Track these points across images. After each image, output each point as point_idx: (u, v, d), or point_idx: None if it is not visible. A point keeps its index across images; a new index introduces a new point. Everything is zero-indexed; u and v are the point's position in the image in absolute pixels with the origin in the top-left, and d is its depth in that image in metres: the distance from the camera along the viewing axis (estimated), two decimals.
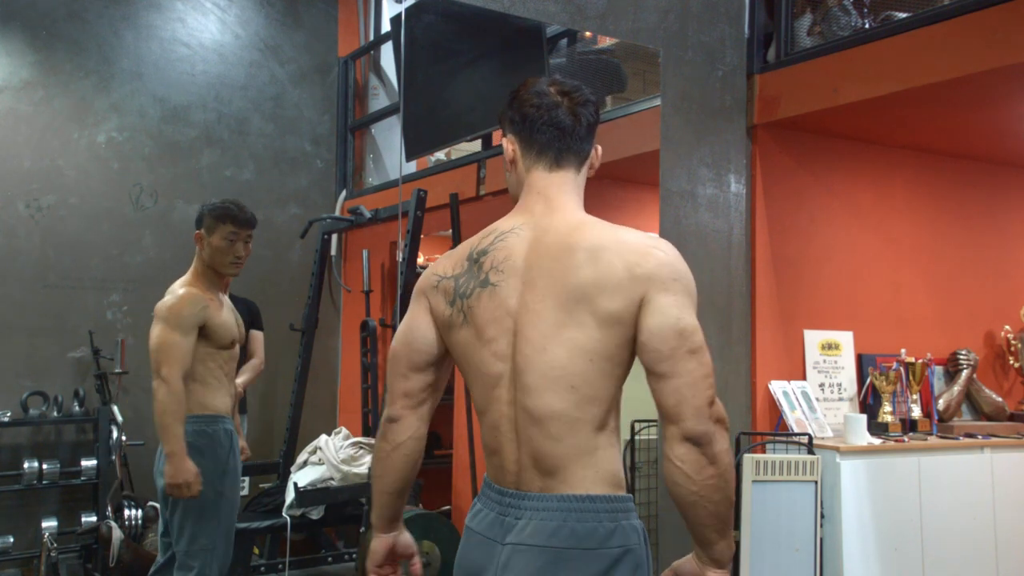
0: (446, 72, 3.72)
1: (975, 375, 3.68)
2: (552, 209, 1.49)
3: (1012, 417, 3.67)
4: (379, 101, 4.53)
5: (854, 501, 3.03)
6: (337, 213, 4.16)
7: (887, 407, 3.38)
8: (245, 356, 3.34)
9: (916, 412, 3.47)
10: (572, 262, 1.41)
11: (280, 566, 3.56)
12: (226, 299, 2.79)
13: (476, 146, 3.92)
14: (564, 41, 3.49)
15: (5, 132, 3.46)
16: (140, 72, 3.74)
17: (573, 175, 1.52)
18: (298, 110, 4.16)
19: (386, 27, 4.53)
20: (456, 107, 3.73)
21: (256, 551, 3.63)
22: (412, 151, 3.94)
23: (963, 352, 3.69)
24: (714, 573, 1.42)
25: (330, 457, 3.63)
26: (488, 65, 3.55)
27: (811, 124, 3.31)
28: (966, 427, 3.50)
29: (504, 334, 1.45)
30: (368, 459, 3.63)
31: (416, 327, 1.56)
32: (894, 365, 3.43)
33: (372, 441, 3.68)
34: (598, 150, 1.57)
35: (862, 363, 3.51)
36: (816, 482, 3.01)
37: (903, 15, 2.95)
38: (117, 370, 3.45)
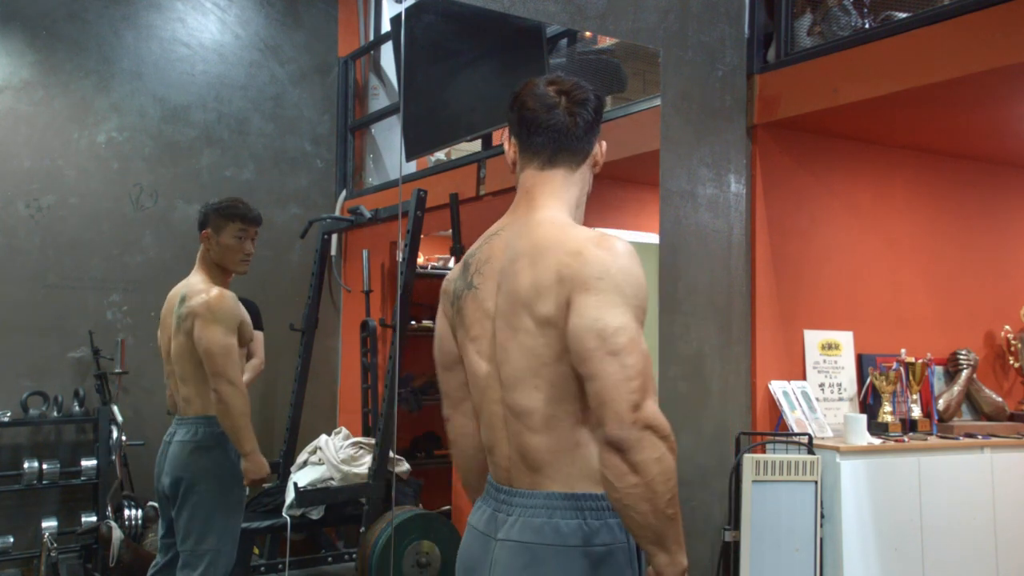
0: (446, 72, 3.72)
1: (975, 375, 3.68)
2: (532, 209, 1.50)
3: (1012, 417, 3.67)
4: (379, 101, 4.52)
5: (854, 501, 3.03)
6: (337, 213, 4.16)
7: (887, 407, 3.38)
8: (246, 356, 3.35)
9: (916, 412, 3.48)
10: (520, 265, 1.44)
11: (280, 566, 3.56)
12: None
13: (476, 146, 3.92)
14: (564, 41, 3.48)
15: (5, 132, 3.46)
16: (140, 72, 3.74)
17: (564, 174, 1.52)
18: (298, 110, 4.15)
19: (386, 27, 4.53)
20: (456, 107, 3.73)
21: (256, 551, 3.63)
22: (412, 151, 3.94)
23: (963, 352, 3.69)
24: None
25: (330, 457, 3.63)
26: (488, 65, 3.55)
27: (811, 124, 3.31)
28: (966, 427, 3.50)
29: (485, 335, 1.50)
30: (368, 459, 3.63)
31: (439, 329, 1.67)
32: (894, 365, 3.43)
33: (372, 441, 3.69)
34: (602, 146, 1.57)
35: (862, 363, 3.51)
36: (816, 482, 3.01)
37: (903, 15, 2.95)
38: (117, 370, 3.45)
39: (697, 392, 3.14)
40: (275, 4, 4.14)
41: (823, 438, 3.19)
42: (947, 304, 3.79)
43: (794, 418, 3.18)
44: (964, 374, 3.65)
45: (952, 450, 3.29)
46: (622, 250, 1.38)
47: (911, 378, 3.47)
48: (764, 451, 3.11)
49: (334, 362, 4.16)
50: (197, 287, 2.73)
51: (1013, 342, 3.85)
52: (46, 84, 3.56)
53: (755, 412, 3.26)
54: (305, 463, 3.69)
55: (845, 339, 3.49)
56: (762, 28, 3.28)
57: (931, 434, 3.42)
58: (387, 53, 4.49)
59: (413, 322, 4.22)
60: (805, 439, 3.08)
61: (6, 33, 3.52)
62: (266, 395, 4.01)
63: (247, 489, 2.87)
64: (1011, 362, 3.86)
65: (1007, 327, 3.88)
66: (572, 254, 1.38)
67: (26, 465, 3.36)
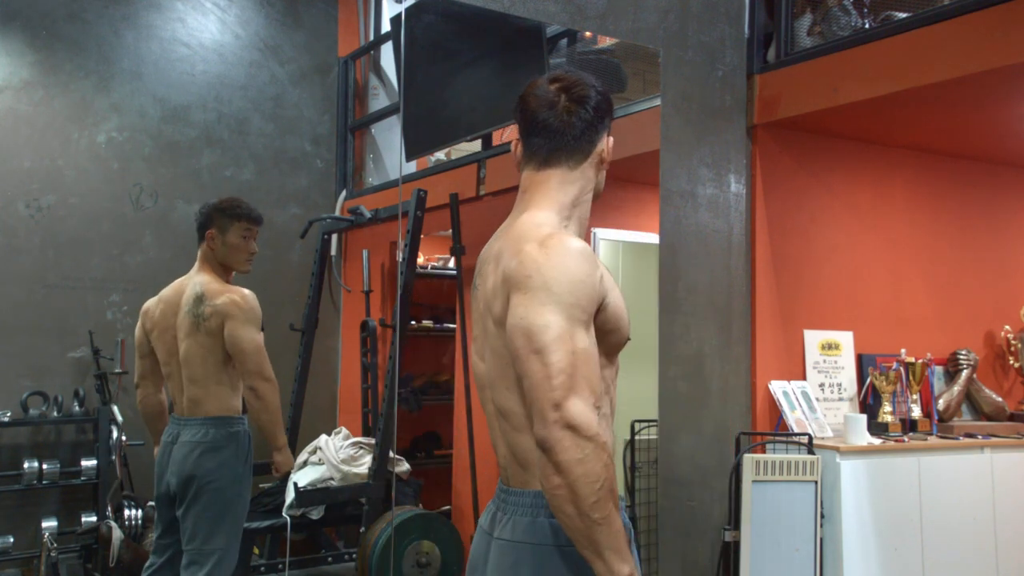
0: (446, 72, 3.72)
1: (975, 375, 3.68)
2: (524, 209, 1.51)
3: (1012, 417, 3.67)
4: (379, 101, 4.53)
5: (854, 501, 3.03)
6: (337, 213, 4.16)
7: (887, 407, 3.38)
8: None
9: (916, 412, 3.47)
10: (490, 268, 1.48)
11: (280, 566, 3.56)
12: None
13: (476, 146, 3.92)
14: (564, 41, 3.49)
15: (5, 132, 3.46)
16: (140, 72, 3.74)
17: (562, 173, 1.51)
18: (298, 110, 4.15)
19: (386, 27, 4.53)
20: (456, 107, 3.73)
21: (256, 551, 3.63)
22: (412, 151, 3.94)
23: (963, 352, 3.69)
24: None
25: (330, 457, 3.63)
26: (488, 65, 3.55)
27: (811, 124, 3.31)
28: (966, 427, 3.50)
29: (480, 335, 1.53)
30: (368, 459, 3.63)
31: None
32: (894, 365, 3.43)
33: (372, 441, 3.69)
34: (608, 142, 1.56)
35: (862, 363, 3.51)
36: (816, 482, 3.01)
37: (903, 15, 2.95)
38: (117, 370, 3.45)
39: (697, 392, 3.14)
40: (275, 4, 4.14)
41: (823, 438, 3.19)
42: (947, 304, 3.79)
43: (794, 418, 3.18)
44: (964, 374, 3.65)
45: (952, 450, 3.29)
46: (565, 249, 1.37)
47: (911, 378, 3.47)
48: (764, 451, 3.11)
49: (334, 362, 4.16)
50: (214, 287, 2.73)
51: (1013, 342, 3.85)
52: (46, 84, 3.56)
53: (755, 412, 3.26)
54: (305, 463, 3.69)
55: (845, 339, 3.49)
56: (762, 28, 3.28)
57: (931, 434, 3.42)
58: (387, 53, 4.49)
59: (413, 322, 4.22)
60: (805, 439, 3.08)
61: (6, 33, 3.52)
62: None
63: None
64: (1011, 362, 3.86)
65: (1007, 327, 3.88)
66: (515, 254, 1.40)
67: (26, 465, 3.36)
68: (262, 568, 3.57)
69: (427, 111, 3.80)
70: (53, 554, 3.19)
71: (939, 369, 3.68)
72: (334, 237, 4.17)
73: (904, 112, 3.16)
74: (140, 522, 3.35)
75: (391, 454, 3.53)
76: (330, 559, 3.82)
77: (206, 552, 2.65)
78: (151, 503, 3.35)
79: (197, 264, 2.87)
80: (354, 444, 3.71)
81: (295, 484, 3.54)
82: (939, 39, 2.70)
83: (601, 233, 3.49)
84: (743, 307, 3.25)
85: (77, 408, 3.48)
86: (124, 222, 3.65)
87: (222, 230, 2.74)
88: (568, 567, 1.38)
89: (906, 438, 3.29)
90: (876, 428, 3.32)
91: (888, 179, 3.66)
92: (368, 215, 3.91)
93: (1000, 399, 3.70)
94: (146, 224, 3.68)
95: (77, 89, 3.61)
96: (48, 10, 3.57)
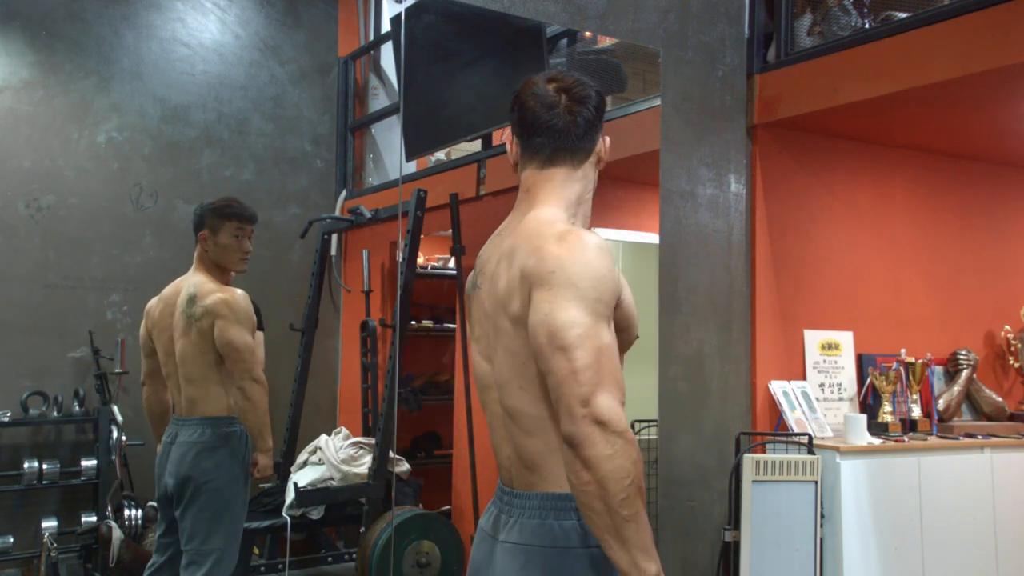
0: (446, 72, 3.72)
1: (975, 375, 3.68)
2: (530, 207, 1.51)
3: (1012, 417, 3.67)
4: (379, 101, 4.53)
5: (854, 501, 3.03)
6: (337, 213, 4.16)
7: (887, 407, 3.38)
8: None
9: (916, 412, 3.47)
10: (501, 266, 1.46)
11: (280, 566, 3.56)
12: None
13: (476, 146, 3.92)
14: (564, 41, 3.48)
15: (5, 132, 3.46)
16: (140, 72, 3.74)
17: (566, 172, 1.52)
18: (298, 110, 4.15)
19: (386, 27, 4.53)
20: (456, 107, 3.73)
21: (256, 551, 3.63)
22: (412, 151, 3.94)
23: (963, 352, 3.69)
24: None
25: (330, 457, 3.63)
26: (488, 65, 3.55)
27: (811, 124, 3.31)
28: (966, 427, 3.50)
29: (484, 335, 1.51)
30: (368, 459, 3.63)
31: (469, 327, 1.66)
32: (894, 365, 3.43)
33: (372, 441, 3.69)
34: (606, 142, 1.57)
35: (862, 363, 3.51)
36: (816, 482, 3.01)
37: (903, 15, 2.95)
38: (117, 370, 3.45)
39: (697, 392, 3.14)
40: (275, 4, 4.14)
41: (823, 438, 3.19)
42: (947, 304, 3.79)
43: (794, 418, 3.18)
44: (964, 374, 3.65)
45: (952, 450, 3.29)
46: (585, 244, 1.37)
47: (911, 378, 3.47)
48: (764, 451, 3.11)
49: (334, 362, 4.16)
50: (207, 287, 2.73)
51: (1013, 342, 3.85)
52: (46, 84, 3.56)
53: (755, 412, 3.26)
54: (305, 463, 3.69)
55: (845, 339, 3.49)
56: (762, 28, 3.28)
57: (931, 434, 3.42)
58: (387, 53, 4.49)
59: (413, 322, 4.22)
60: (805, 439, 3.08)
61: (6, 33, 3.52)
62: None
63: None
64: (1011, 362, 3.86)
65: (1007, 327, 3.88)
66: (530, 251, 1.39)
67: (26, 465, 3.36)
68: (262, 568, 3.57)
69: (427, 111, 3.80)
70: (53, 554, 3.19)
71: (939, 369, 3.68)
72: (334, 237, 4.17)
73: (904, 112, 3.16)
74: (140, 522, 3.35)
75: (391, 454, 3.53)
76: (330, 559, 3.82)
77: (204, 552, 2.65)
78: (151, 503, 3.35)
79: (193, 265, 2.87)
80: (354, 444, 3.71)
81: (295, 484, 3.54)
82: (939, 39, 2.70)
83: (601, 233, 3.49)
84: (743, 307, 3.25)
85: (77, 408, 3.48)
86: (124, 222, 3.65)
87: (214, 230, 2.75)
88: (578, 569, 1.37)
89: (906, 438, 3.29)
90: (876, 428, 3.32)
91: (888, 179, 3.66)
92: (368, 215, 3.91)
93: (1000, 399, 3.70)
94: (146, 224, 3.68)
95: (77, 89, 3.61)
96: (48, 10, 3.57)
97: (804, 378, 3.37)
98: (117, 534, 3.14)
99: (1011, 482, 3.34)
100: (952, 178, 3.82)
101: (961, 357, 3.68)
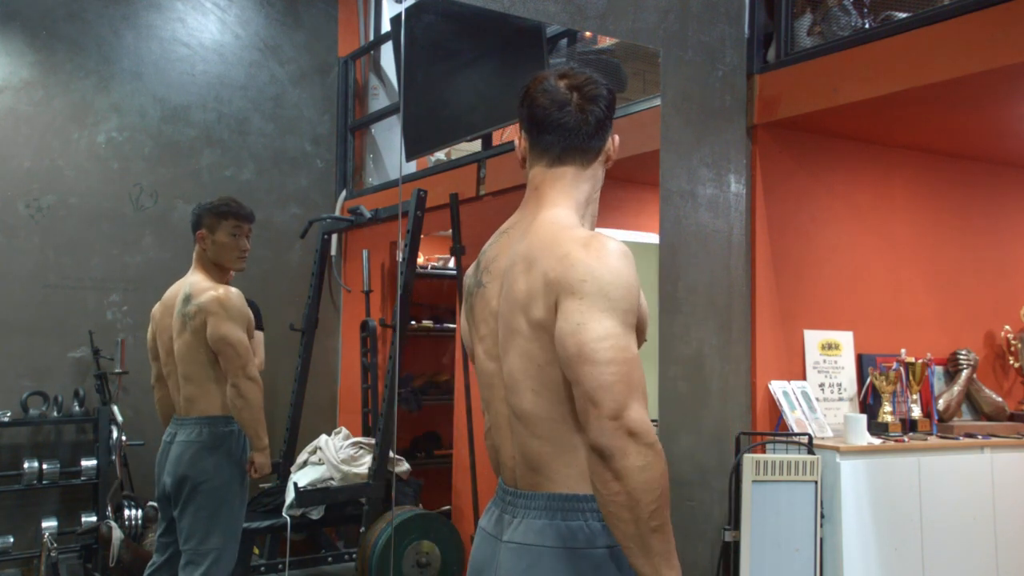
0: (446, 72, 3.72)
1: (975, 375, 3.68)
2: (539, 207, 1.49)
3: (1012, 417, 3.67)
4: (379, 101, 4.53)
5: (854, 501, 3.03)
6: (337, 213, 4.16)
7: (887, 407, 3.38)
8: None
9: (916, 412, 3.48)
10: (517, 269, 1.43)
11: (280, 566, 3.56)
12: None
13: (476, 146, 3.92)
14: (564, 41, 3.48)
15: (5, 132, 3.45)
16: (140, 72, 3.74)
17: (574, 171, 1.51)
18: (298, 110, 4.15)
19: (386, 27, 4.53)
20: (456, 107, 3.73)
21: (256, 551, 3.63)
22: (412, 151, 3.94)
23: (963, 352, 3.69)
24: None
25: (330, 457, 3.63)
26: (488, 65, 3.55)
27: (811, 124, 3.31)
28: (966, 427, 3.50)
29: (491, 334, 1.50)
30: (368, 459, 3.63)
31: (461, 325, 1.66)
32: (894, 365, 3.43)
33: (372, 441, 3.68)
34: (615, 140, 1.56)
35: (862, 363, 3.51)
36: (816, 482, 3.01)
37: (903, 15, 2.95)
38: (117, 370, 3.45)
39: (697, 392, 3.14)
40: (275, 4, 4.14)
41: (823, 438, 3.19)
42: (947, 304, 3.79)
43: (794, 418, 3.18)
44: (964, 374, 3.65)
45: (952, 450, 3.29)
46: (611, 251, 1.36)
47: (911, 378, 3.47)
48: (764, 451, 3.11)
49: (334, 362, 4.16)
50: (201, 285, 2.74)
51: (1013, 342, 3.85)
52: (46, 84, 3.55)
53: (755, 412, 3.26)
54: (305, 463, 3.69)
55: (845, 339, 3.49)
56: (762, 28, 3.28)
57: (931, 434, 3.42)
58: (387, 53, 4.49)
59: (413, 322, 4.22)
60: (805, 439, 3.08)
61: (6, 33, 3.52)
62: (266, 395, 3.99)
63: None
64: (1011, 362, 3.86)
65: (1007, 327, 3.88)
66: (558, 258, 1.37)
67: (26, 465, 3.36)
68: (262, 568, 3.57)
69: (427, 111, 3.80)
70: (53, 554, 3.19)
71: (939, 369, 3.68)
72: (334, 237, 4.17)
73: (904, 112, 3.16)
74: (140, 522, 3.35)
75: (391, 454, 3.53)
76: (330, 559, 3.82)
77: (202, 552, 2.66)
78: (151, 503, 3.36)
79: (192, 265, 2.88)
80: (354, 444, 3.70)
81: (295, 484, 3.54)
82: (939, 39, 2.70)
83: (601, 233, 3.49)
84: (743, 307, 3.25)
85: (77, 408, 3.48)
86: (124, 222, 3.65)
87: (211, 229, 2.76)
88: (585, 570, 1.37)
89: (906, 438, 3.29)
90: (876, 428, 3.32)
91: (888, 179, 3.66)
92: (368, 215, 3.91)
93: (1000, 399, 3.70)
94: (146, 224, 3.68)
95: (77, 89, 3.61)
96: (48, 10, 3.57)
97: (804, 378, 3.37)
98: (117, 534, 3.14)
99: (1011, 482, 3.34)
100: (952, 178, 3.82)
101: (961, 357, 3.68)
